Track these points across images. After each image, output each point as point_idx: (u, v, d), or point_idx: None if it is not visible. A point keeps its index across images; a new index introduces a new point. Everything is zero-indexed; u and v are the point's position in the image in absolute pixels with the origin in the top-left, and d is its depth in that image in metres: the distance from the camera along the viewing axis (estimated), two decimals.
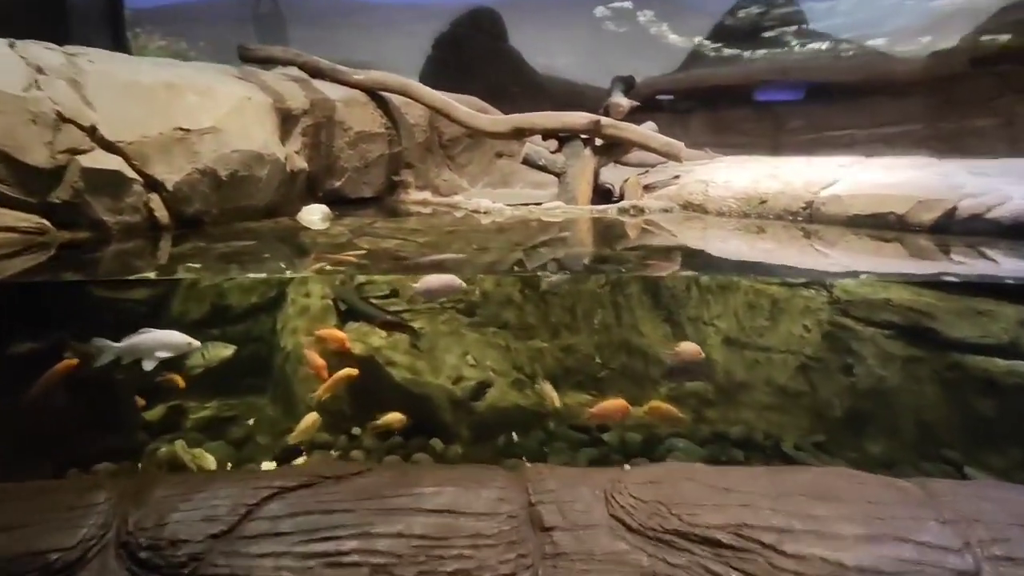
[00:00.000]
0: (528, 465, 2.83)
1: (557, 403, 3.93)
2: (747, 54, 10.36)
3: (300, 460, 4.02)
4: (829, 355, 4.13)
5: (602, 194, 6.44)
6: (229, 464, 3.96)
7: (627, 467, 3.60)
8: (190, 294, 4.54)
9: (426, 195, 7.28)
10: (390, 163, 7.12)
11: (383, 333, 4.28)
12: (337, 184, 6.62)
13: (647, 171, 6.86)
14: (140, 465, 3.86)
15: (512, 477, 2.59)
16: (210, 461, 3.80)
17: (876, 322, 3.98)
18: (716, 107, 10.21)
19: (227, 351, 3.96)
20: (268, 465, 3.98)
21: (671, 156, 6.07)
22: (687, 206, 5.83)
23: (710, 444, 4.16)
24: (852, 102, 9.53)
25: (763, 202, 5.29)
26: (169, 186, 4.29)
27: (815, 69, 10.06)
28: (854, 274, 4.01)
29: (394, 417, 3.96)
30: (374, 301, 4.39)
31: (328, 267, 3.71)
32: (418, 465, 3.80)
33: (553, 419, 4.40)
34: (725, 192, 5.57)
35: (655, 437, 4.15)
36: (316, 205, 5.56)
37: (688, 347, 3.96)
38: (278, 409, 4.44)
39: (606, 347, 4.57)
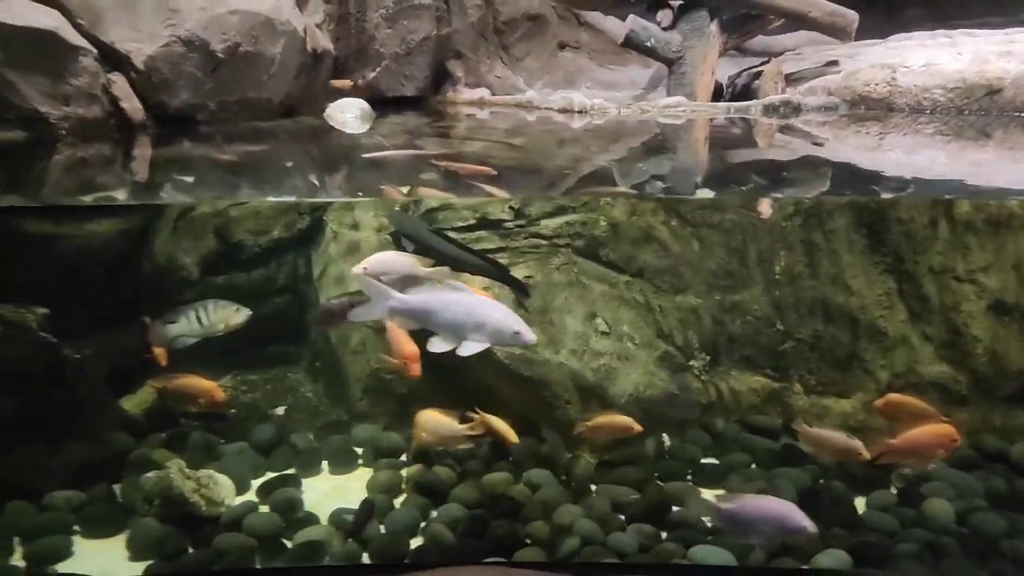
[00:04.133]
0: None
1: (867, 451, 2.17)
2: None
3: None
4: None
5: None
6: (253, 492, 2.55)
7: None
8: (182, 227, 3.05)
9: (482, 93, 5.66)
10: (437, 50, 5.46)
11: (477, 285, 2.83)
12: (371, 75, 5.08)
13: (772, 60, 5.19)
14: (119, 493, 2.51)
15: None
16: (225, 488, 2.41)
17: None
18: None
19: (237, 315, 2.52)
20: (313, 482, 2.60)
21: (836, 32, 4.44)
22: (859, 101, 4.26)
23: (978, 469, 2.75)
24: None
25: (993, 92, 3.71)
26: (138, 61, 3.19)
27: None
28: None
29: (617, 421, 2.51)
30: (453, 235, 2.90)
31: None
32: None
33: (721, 414, 3.01)
34: (926, 79, 3.98)
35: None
36: (350, 99, 4.06)
37: None
38: (320, 389, 3.06)
39: (792, 308, 3.11)
